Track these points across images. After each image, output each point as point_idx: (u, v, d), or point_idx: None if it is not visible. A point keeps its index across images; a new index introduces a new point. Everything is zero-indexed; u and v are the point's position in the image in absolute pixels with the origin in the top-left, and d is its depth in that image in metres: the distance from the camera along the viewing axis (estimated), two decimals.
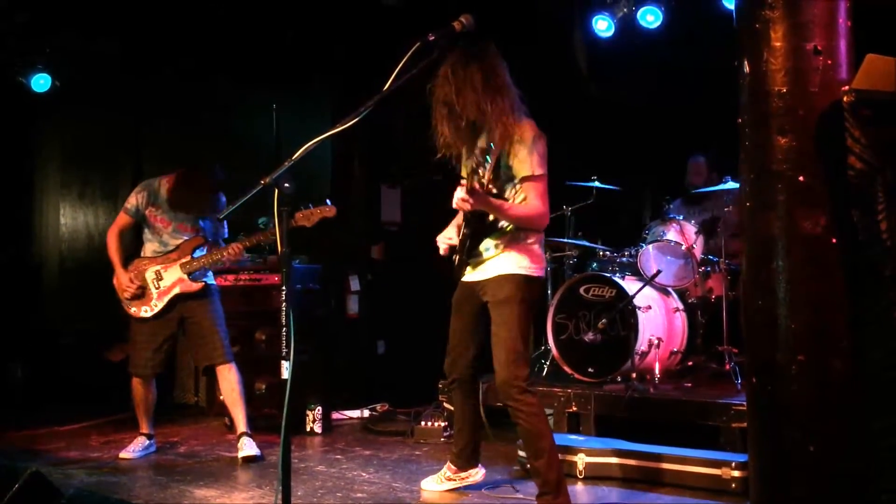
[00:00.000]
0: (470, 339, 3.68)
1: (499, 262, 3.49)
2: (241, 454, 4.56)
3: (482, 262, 3.54)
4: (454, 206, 3.46)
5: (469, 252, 3.53)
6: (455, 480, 3.90)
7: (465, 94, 3.34)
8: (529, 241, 3.50)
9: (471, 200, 3.26)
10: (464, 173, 3.68)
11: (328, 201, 4.43)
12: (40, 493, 2.64)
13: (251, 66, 6.54)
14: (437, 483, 3.93)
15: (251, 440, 4.63)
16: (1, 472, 2.79)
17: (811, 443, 2.38)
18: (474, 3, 3.36)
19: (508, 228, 3.49)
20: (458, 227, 3.65)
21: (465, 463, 3.90)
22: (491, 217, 3.45)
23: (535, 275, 3.51)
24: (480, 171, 3.28)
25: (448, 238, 3.70)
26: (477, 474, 3.95)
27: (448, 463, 3.94)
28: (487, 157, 3.25)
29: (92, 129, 6.91)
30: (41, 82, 6.58)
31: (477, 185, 3.21)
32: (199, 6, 6.29)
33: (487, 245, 3.52)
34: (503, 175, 3.42)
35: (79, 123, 6.93)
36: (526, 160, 3.38)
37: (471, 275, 3.61)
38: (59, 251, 7.01)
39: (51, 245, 7.08)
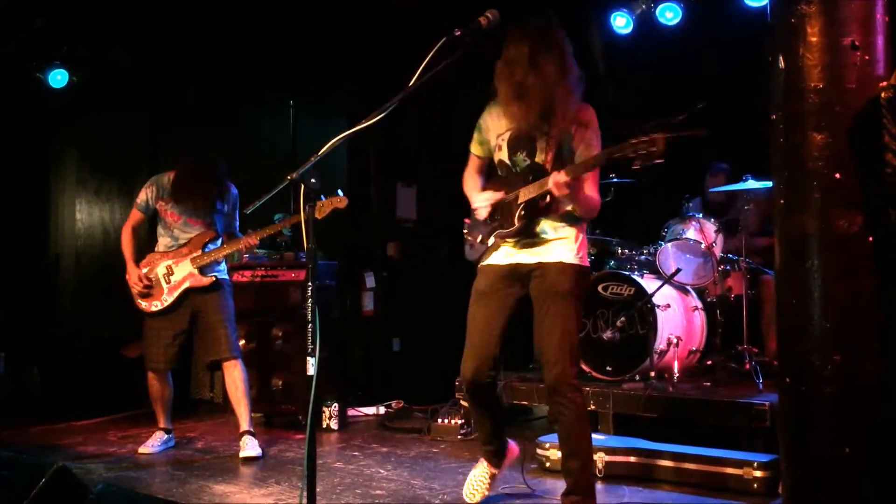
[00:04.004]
0: (498, 334, 3.34)
1: (560, 247, 3.27)
2: (241, 454, 4.52)
3: (538, 244, 3.29)
4: (553, 191, 3.10)
5: (525, 233, 3.29)
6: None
7: (538, 79, 3.14)
8: (583, 227, 3.36)
9: (566, 190, 3.07)
10: (484, 139, 3.46)
11: (340, 191, 4.38)
12: (67, 488, 2.62)
13: (267, 70, 6.53)
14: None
15: (253, 439, 4.60)
16: (26, 467, 2.78)
17: (847, 444, 2.35)
18: (488, 2, 3.33)
19: (562, 213, 3.29)
20: (494, 195, 3.36)
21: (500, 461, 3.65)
22: (547, 199, 3.22)
23: (586, 265, 3.35)
24: (539, 154, 3.15)
25: (487, 199, 3.37)
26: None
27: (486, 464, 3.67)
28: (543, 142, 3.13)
29: (109, 126, 6.90)
30: (58, 78, 6.61)
31: (566, 174, 3.03)
32: (213, 12, 6.27)
33: (545, 227, 3.30)
34: (565, 158, 3.25)
35: (96, 121, 6.91)
36: (595, 146, 3.23)
37: (515, 256, 3.33)
38: (75, 247, 7.01)
39: (66, 241, 7.08)
